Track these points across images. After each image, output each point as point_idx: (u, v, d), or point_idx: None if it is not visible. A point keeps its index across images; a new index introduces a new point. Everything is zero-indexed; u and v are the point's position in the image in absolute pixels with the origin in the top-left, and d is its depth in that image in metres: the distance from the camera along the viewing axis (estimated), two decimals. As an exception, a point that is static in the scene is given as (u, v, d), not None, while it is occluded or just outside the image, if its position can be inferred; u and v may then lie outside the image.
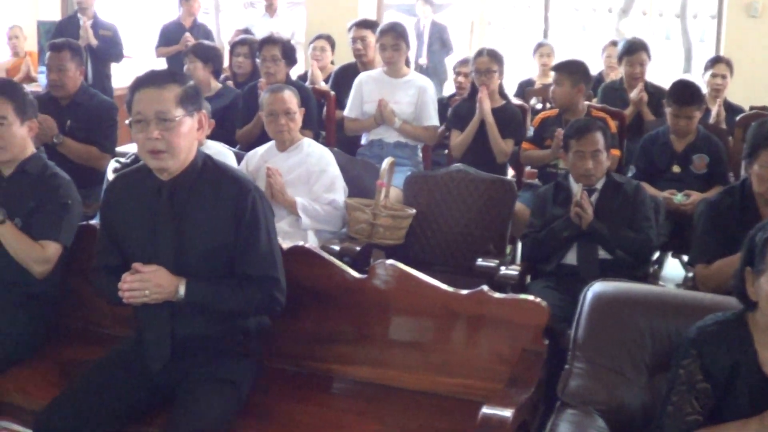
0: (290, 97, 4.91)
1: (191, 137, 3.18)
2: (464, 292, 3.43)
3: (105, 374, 3.25)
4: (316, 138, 5.79)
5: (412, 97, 6.12)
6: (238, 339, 3.32)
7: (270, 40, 6.28)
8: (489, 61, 6.00)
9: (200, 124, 3.23)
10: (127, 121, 3.18)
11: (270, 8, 9.47)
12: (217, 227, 3.18)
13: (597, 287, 3.26)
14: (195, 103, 3.19)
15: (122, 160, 7.13)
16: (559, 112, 5.87)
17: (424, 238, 5.08)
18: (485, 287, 3.46)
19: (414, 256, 4.94)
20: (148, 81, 3.16)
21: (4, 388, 3.55)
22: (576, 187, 4.45)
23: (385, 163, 4.91)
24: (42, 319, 3.80)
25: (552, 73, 6.06)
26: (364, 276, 3.55)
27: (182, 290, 3.12)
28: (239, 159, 5.09)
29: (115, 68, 9.01)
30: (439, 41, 11.67)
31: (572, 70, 5.79)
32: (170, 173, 3.18)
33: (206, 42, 7.32)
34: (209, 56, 6.56)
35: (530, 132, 6.08)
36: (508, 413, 2.90)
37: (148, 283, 3.08)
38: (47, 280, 3.75)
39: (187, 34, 9.10)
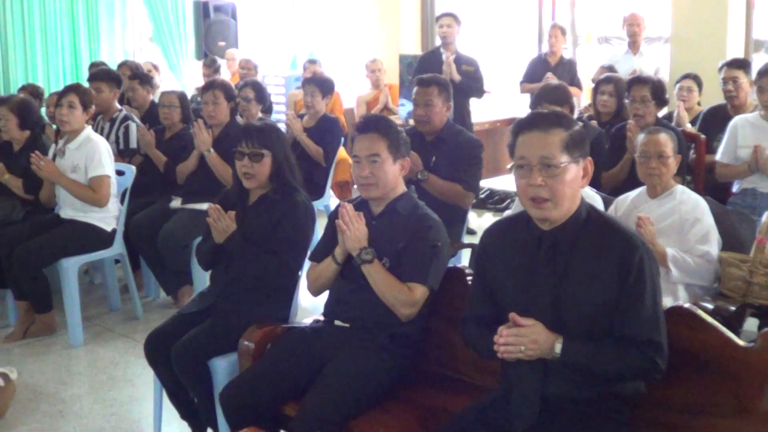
0: (666, 141, 4.70)
1: (576, 185, 3.01)
2: None
3: (468, 429, 3.14)
4: (682, 183, 5.50)
5: (791, 144, 5.75)
6: (612, 404, 3.08)
7: (640, 80, 6.09)
8: None
9: (585, 171, 3.05)
10: (508, 166, 3.07)
11: (633, 45, 9.28)
12: (600, 284, 2.97)
13: None
14: (581, 149, 3.01)
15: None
16: None
17: (801, 299, 4.65)
18: None
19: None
20: (532, 124, 3.02)
21: (360, 430, 3.53)
22: None
23: (765, 216, 4.57)
24: (404, 362, 3.78)
25: None
26: (751, 344, 3.21)
27: (558, 348, 2.94)
28: (605, 203, 4.90)
29: (473, 102, 9.04)
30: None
31: None
32: (552, 223, 3.03)
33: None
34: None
35: None
36: None
37: (524, 338, 2.92)
38: (412, 322, 3.73)
39: (549, 74, 9.07)
